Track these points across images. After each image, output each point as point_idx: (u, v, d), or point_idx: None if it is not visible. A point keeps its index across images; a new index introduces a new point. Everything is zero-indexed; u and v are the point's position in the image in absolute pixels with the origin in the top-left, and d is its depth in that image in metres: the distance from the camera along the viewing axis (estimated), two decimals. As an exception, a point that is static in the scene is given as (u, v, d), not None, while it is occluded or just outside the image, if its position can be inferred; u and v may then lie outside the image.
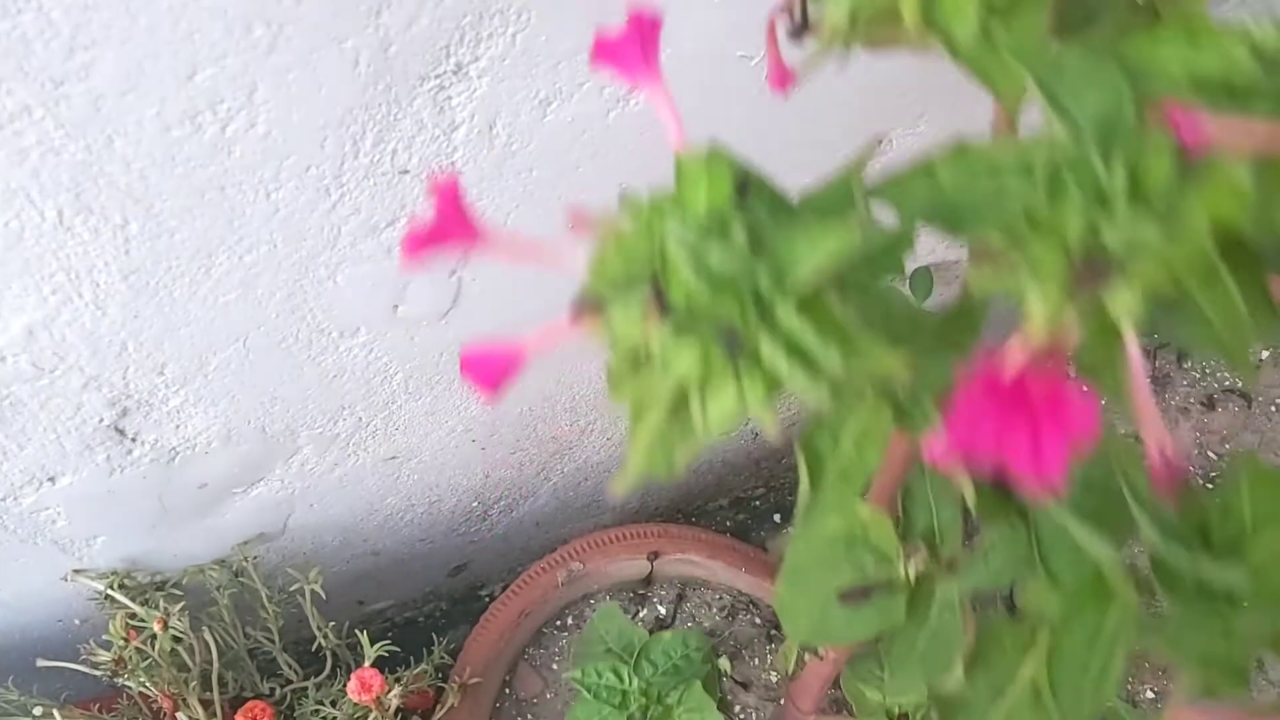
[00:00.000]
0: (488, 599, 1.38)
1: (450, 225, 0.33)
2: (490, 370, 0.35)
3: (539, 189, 0.76)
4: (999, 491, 0.45)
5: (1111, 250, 0.27)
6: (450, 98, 0.66)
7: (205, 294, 0.72)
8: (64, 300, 0.67)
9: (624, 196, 0.33)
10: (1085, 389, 0.27)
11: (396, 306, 0.81)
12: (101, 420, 0.79)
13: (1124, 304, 0.28)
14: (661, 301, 0.29)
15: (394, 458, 1.01)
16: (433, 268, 0.79)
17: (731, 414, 0.30)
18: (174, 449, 0.86)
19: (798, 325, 0.29)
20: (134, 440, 0.83)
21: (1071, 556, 0.44)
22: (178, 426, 0.83)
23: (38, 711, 0.94)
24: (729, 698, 1.08)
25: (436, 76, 0.64)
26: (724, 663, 1.08)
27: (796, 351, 0.29)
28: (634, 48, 0.35)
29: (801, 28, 0.36)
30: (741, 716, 1.06)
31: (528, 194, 0.76)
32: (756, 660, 1.10)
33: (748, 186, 0.34)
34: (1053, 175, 0.29)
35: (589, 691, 1.00)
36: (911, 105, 0.85)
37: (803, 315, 0.29)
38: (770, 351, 0.29)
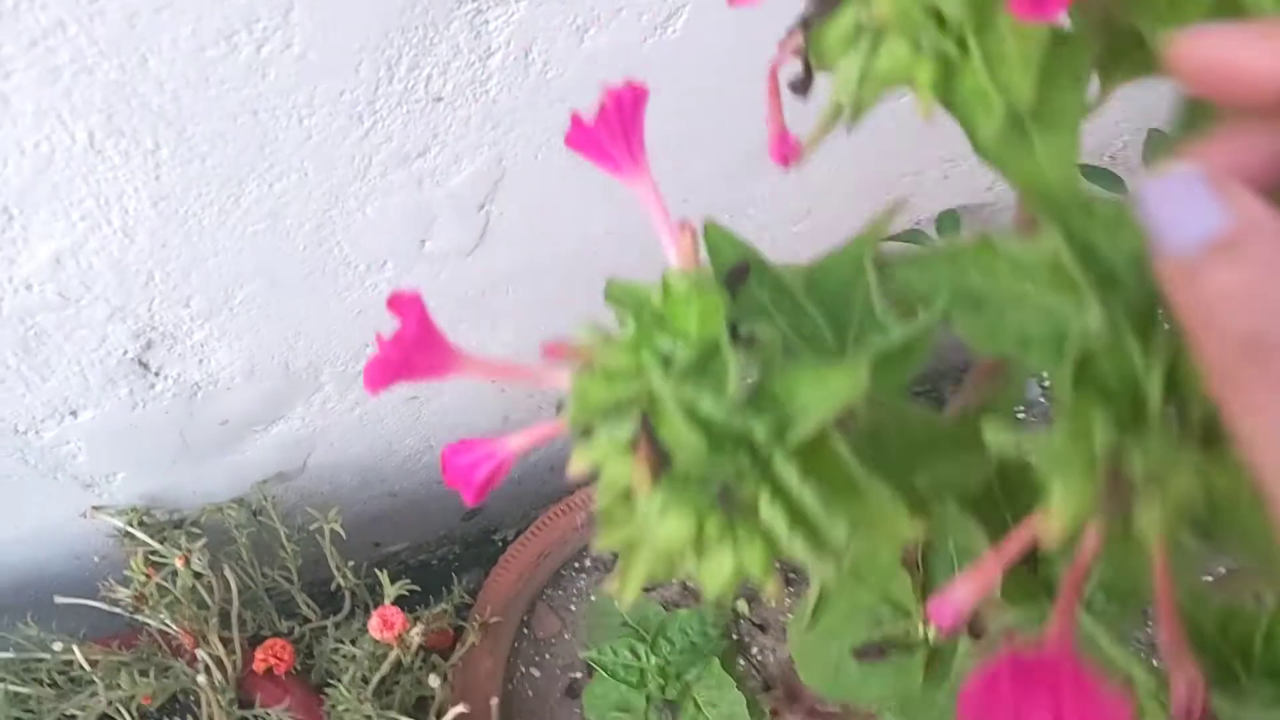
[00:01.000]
0: (501, 543, 1.38)
1: (418, 350, 0.29)
2: (472, 473, 0.32)
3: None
4: (1027, 574, 0.42)
5: (1143, 469, 0.24)
6: (487, 21, 0.64)
7: (234, 223, 0.71)
8: (92, 227, 0.66)
9: (612, 298, 0.31)
10: (1117, 693, 0.23)
11: (424, 241, 0.80)
12: (125, 353, 0.78)
13: (1154, 522, 0.24)
14: (651, 443, 0.26)
15: (415, 397, 1.00)
16: (462, 203, 0.78)
17: (727, 580, 0.27)
18: (197, 384, 0.85)
19: (800, 488, 0.26)
20: (157, 374, 0.82)
21: (1098, 654, 0.41)
22: (201, 361, 0.82)
23: (57, 647, 0.94)
24: (746, 639, 1.08)
25: (474, -1, 0.63)
26: (741, 605, 1.09)
27: (799, 518, 0.26)
28: (615, 133, 0.30)
29: (808, 79, 0.31)
30: (759, 658, 1.07)
31: (560, 126, 0.74)
32: (773, 602, 1.11)
33: (746, 271, 0.32)
34: (1081, 361, 0.25)
35: (606, 671, 1.00)
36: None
37: (805, 471, 0.26)
38: (769, 514, 0.26)
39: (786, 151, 0.35)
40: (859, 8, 0.29)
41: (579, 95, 0.73)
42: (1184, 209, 0.21)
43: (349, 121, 0.67)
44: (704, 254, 0.37)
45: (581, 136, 0.31)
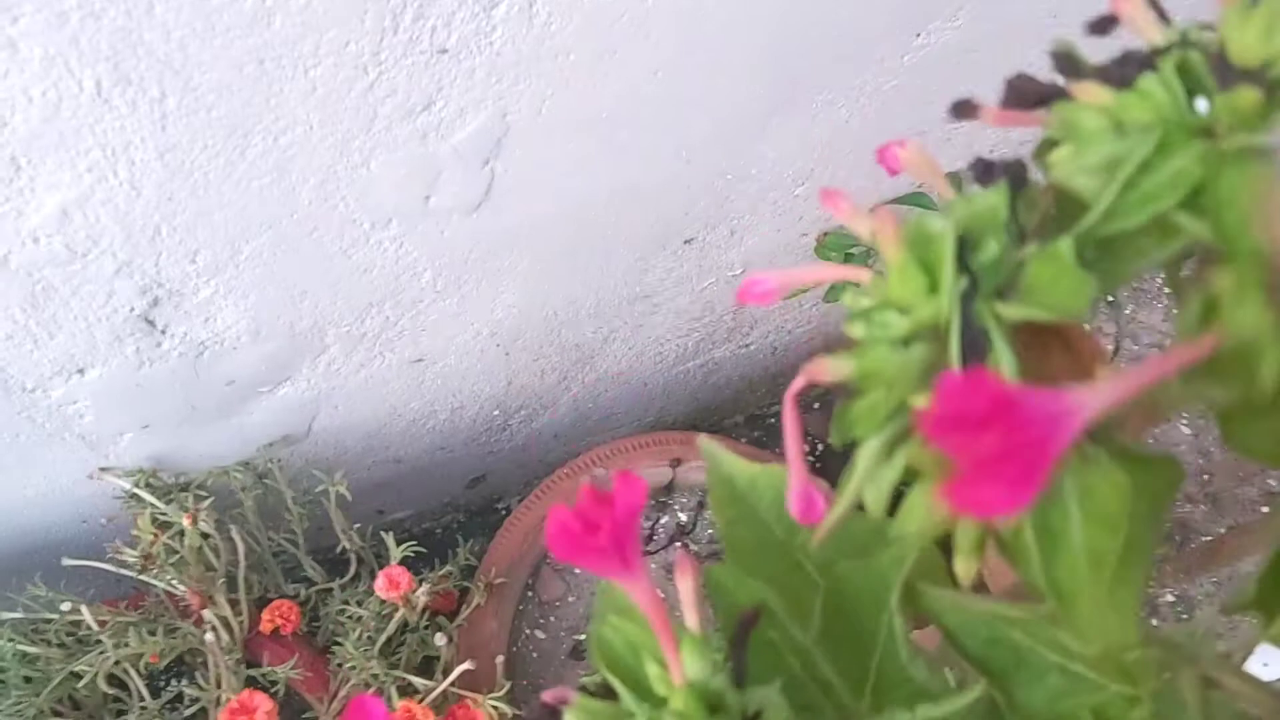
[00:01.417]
0: (504, 511, 1.38)
1: (615, 545, 0.27)
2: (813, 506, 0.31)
3: (576, 75, 0.75)
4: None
5: None
6: (492, -28, 0.65)
7: (240, 176, 0.71)
8: (99, 178, 0.66)
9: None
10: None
11: (428, 197, 0.80)
12: (132, 310, 0.78)
13: None
14: None
15: (419, 360, 1.01)
16: (467, 158, 0.78)
17: None
18: (203, 343, 0.85)
19: None
20: (163, 332, 0.82)
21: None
22: (207, 320, 0.83)
23: (65, 607, 0.95)
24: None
25: (479, -52, 0.63)
26: None
27: None
28: (608, 546, 0.28)
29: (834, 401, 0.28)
30: (762, 620, 1.07)
31: (564, 80, 0.75)
32: None
33: (757, 619, 0.31)
34: None
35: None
36: (951, -3, 0.84)
37: None
38: None
39: (810, 511, 0.31)
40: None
41: (584, 48, 0.73)
42: None
43: (354, 73, 0.67)
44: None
45: (573, 550, 0.27)
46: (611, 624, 0.31)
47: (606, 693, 0.30)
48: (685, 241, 1.01)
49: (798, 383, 0.29)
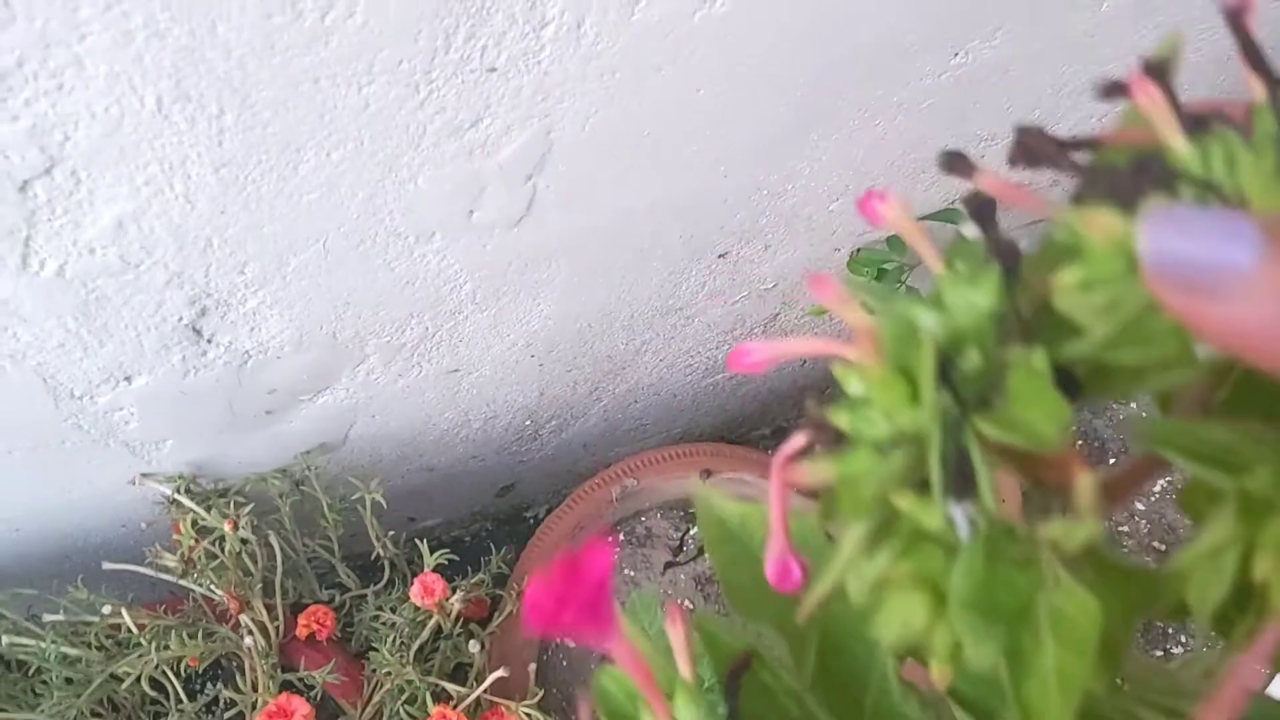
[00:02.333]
0: (533, 520, 1.40)
1: (588, 616, 0.27)
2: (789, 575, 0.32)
3: (621, 92, 0.76)
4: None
5: None
6: (543, -8, 0.66)
7: (291, 191, 0.72)
8: (155, 192, 0.68)
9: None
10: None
11: (472, 212, 0.81)
12: (181, 319, 0.80)
13: None
14: None
15: (456, 370, 1.02)
16: (510, 174, 0.79)
17: None
18: (247, 352, 0.87)
19: None
20: (210, 341, 0.84)
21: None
22: (253, 329, 0.84)
23: (106, 610, 0.96)
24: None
25: (531, -30, 0.64)
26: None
27: None
28: (579, 619, 0.27)
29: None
30: None
31: (609, 97, 0.76)
32: None
33: (748, 664, 0.31)
34: None
35: None
36: (991, 16, 0.84)
37: None
38: None
39: (785, 579, 0.30)
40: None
41: (629, 67, 0.74)
42: (1211, 243, 0.19)
43: (406, 90, 0.68)
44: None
45: (548, 620, 0.26)
46: (611, 674, 0.31)
47: None
48: (719, 255, 1.02)
49: (784, 453, 0.28)
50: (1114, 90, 0.24)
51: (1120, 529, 1.31)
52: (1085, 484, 0.24)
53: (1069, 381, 0.25)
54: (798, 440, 0.28)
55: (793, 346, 0.32)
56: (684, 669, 0.31)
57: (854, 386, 0.26)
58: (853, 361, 0.26)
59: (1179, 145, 0.23)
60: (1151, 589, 0.26)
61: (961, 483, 0.24)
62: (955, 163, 0.27)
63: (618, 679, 0.31)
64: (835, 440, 0.26)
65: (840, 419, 0.26)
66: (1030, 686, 0.24)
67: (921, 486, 0.25)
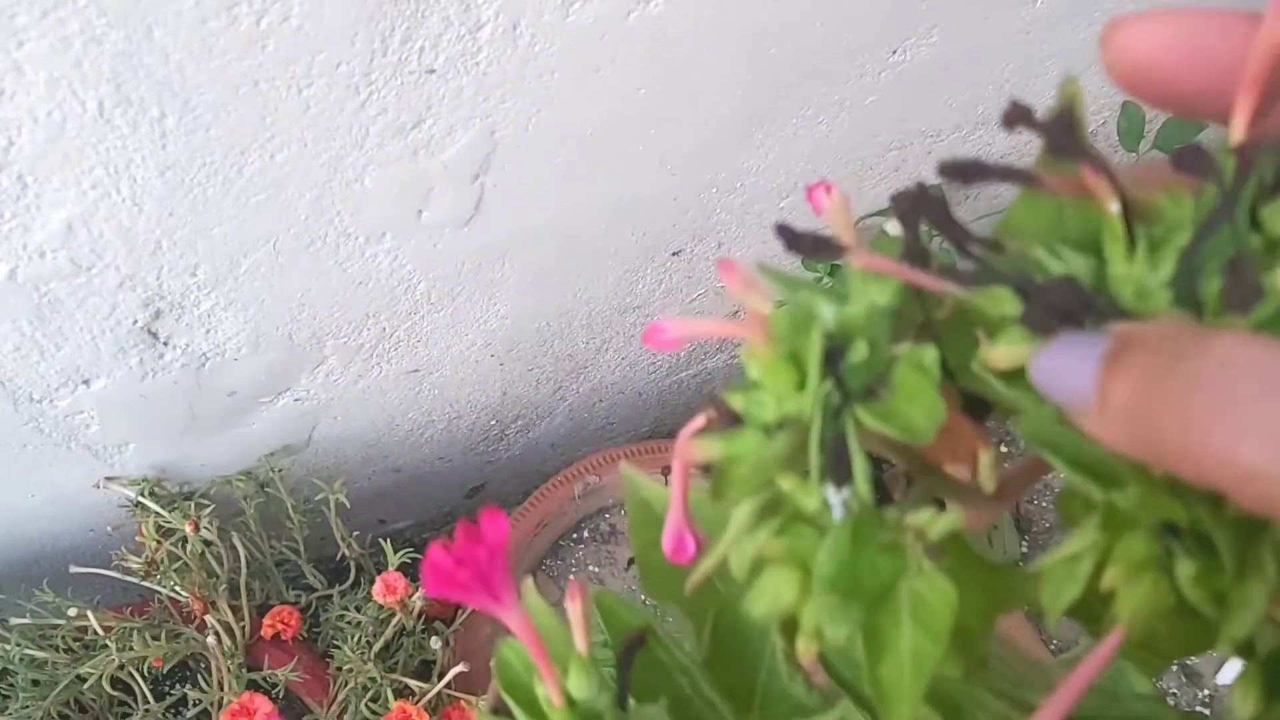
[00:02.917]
0: (503, 520, 1.41)
1: (481, 579, 0.29)
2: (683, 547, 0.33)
3: (561, 93, 0.78)
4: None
5: None
6: (476, -5, 0.68)
7: (238, 193, 0.74)
8: (102, 195, 0.69)
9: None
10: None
11: (421, 212, 0.83)
12: (135, 322, 0.81)
13: None
14: None
15: (416, 370, 1.03)
16: (457, 173, 0.81)
17: None
18: (204, 354, 0.88)
19: None
20: (166, 344, 0.85)
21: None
22: (208, 331, 0.86)
23: (72, 613, 0.97)
24: None
25: (463, -27, 0.66)
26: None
27: None
28: (474, 581, 0.29)
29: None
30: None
31: (550, 98, 0.78)
32: None
33: (643, 640, 0.32)
34: None
35: None
36: (925, 15, 0.86)
37: None
38: None
39: (680, 552, 0.31)
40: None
41: (567, 68, 0.76)
42: (1074, 365, 0.21)
43: (346, 92, 0.70)
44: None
45: (443, 584, 0.28)
46: (511, 645, 0.32)
47: (507, 712, 0.32)
48: (673, 253, 1.04)
49: (686, 431, 0.30)
50: (1016, 117, 0.25)
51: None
52: (985, 460, 0.26)
53: (977, 403, 0.27)
54: (698, 420, 0.28)
55: (702, 327, 0.34)
56: (579, 641, 0.33)
57: (752, 370, 0.27)
58: (750, 346, 0.27)
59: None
60: (1010, 584, 0.27)
61: (839, 468, 0.25)
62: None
63: (517, 650, 0.33)
64: (733, 421, 0.27)
65: (735, 401, 0.27)
66: (885, 666, 0.25)
67: (805, 472, 0.26)
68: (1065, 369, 0.21)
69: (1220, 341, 0.19)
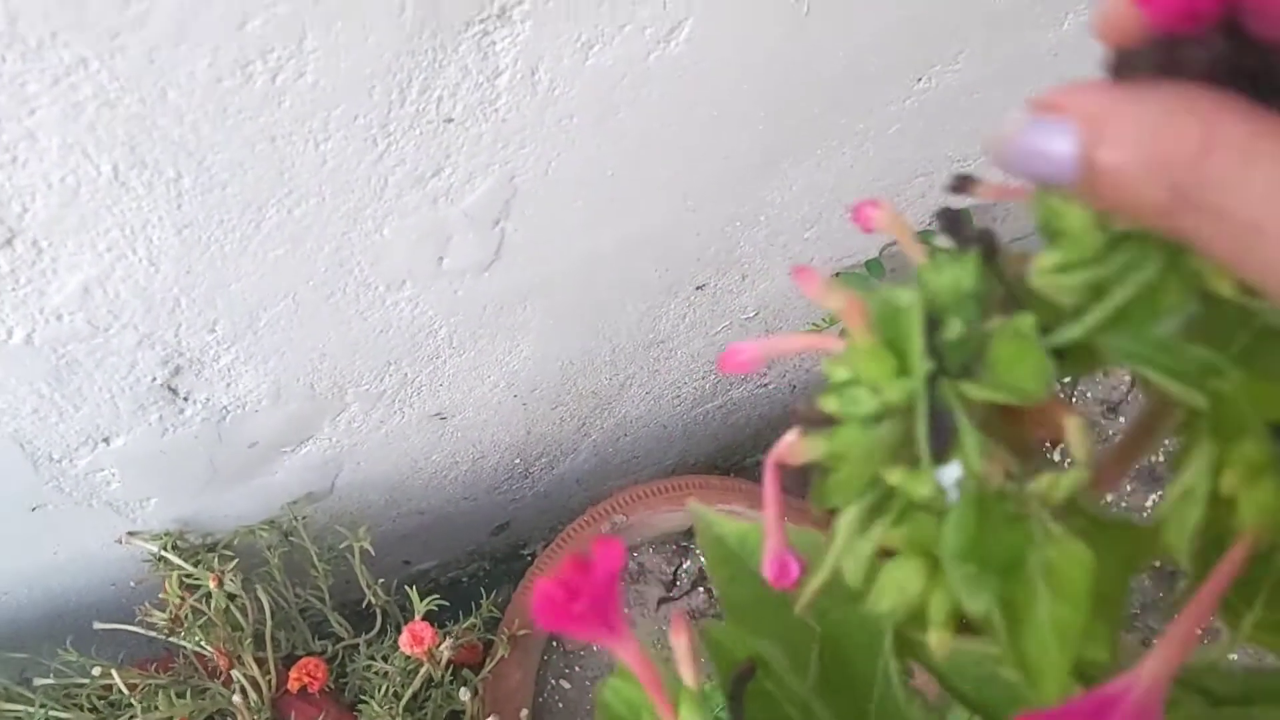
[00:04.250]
0: (529, 558, 1.39)
1: (596, 609, 0.27)
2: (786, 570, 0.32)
3: (581, 135, 0.76)
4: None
5: None
6: (494, 42, 0.66)
7: (255, 248, 0.72)
8: (118, 256, 0.68)
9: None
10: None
11: (441, 259, 0.81)
12: (154, 379, 0.80)
13: None
14: None
15: (439, 414, 1.02)
16: (477, 220, 0.79)
17: None
18: (225, 408, 0.87)
19: None
20: (186, 399, 0.84)
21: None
22: (228, 385, 0.84)
23: (96, 672, 0.96)
24: None
25: (481, 21, 0.64)
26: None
27: None
28: (589, 612, 0.28)
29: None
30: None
31: (569, 141, 0.76)
32: None
33: (752, 672, 0.32)
34: None
35: None
36: (950, 41, 0.84)
37: None
38: None
39: (784, 576, 0.31)
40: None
41: (587, 111, 0.74)
42: (1044, 143, 0.22)
43: (364, 145, 0.69)
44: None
45: (554, 618, 0.27)
46: (612, 686, 0.31)
47: None
48: (697, 288, 1.02)
49: (776, 452, 0.29)
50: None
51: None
52: (1074, 425, 0.25)
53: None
54: (789, 437, 0.28)
55: (781, 344, 0.33)
56: (687, 676, 0.31)
57: (839, 373, 0.27)
58: (839, 351, 0.27)
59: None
60: (1139, 541, 0.26)
61: (947, 445, 0.25)
62: (962, 184, 0.29)
63: (617, 691, 0.31)
64: (824, 427, 0.27)
65: (829, 404, 0.27)
66: (1027, 640, 0.24)
67: (910, 462, 0.26)
68: (1044, 143, 0.22)
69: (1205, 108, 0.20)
